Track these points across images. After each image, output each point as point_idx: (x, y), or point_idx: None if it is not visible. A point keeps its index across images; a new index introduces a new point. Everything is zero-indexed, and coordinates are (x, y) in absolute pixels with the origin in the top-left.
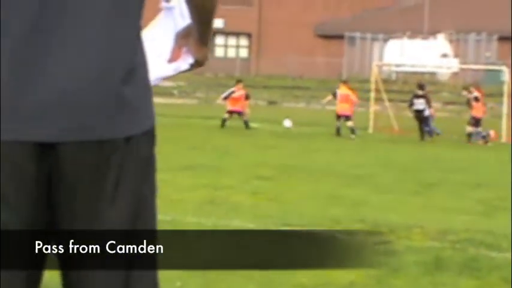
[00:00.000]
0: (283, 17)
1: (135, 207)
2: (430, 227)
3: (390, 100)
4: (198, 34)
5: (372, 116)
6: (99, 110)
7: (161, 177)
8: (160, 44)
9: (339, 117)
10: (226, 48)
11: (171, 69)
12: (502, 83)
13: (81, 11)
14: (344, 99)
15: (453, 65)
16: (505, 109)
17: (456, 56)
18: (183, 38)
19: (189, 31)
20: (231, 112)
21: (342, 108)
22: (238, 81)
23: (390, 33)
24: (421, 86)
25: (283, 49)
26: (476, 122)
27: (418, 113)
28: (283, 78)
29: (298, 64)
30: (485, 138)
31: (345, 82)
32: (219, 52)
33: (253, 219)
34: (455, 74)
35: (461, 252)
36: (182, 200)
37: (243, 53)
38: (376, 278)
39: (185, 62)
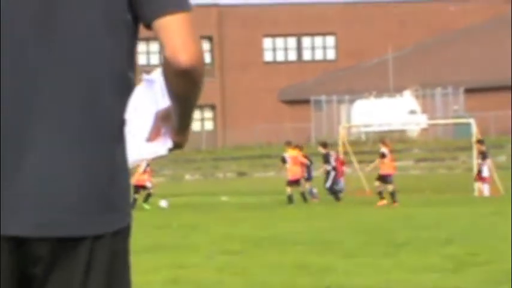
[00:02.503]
0: (246, 85)
1: None
2: (397, 287)
3: (361, 162)
4: (179, 120)
5: (342, 180)
6: (75, 210)
7: None
8: (140, 118)
9: (291, 183)
10: None
11: (148, 152)
12: (471, 136)
13: (58, 115)
14: (294, 162)
15: (421, 121)
16: (475, 162)
17: (424, 111)
18: (163, 120)
19: (169, 114)
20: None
21: (294, 172)
22: None
23: (356, 94)
24: (323, 144)
25: (249, 118)
26: (384, 179)
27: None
28: (251, 148)
29: (265, 132)
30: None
31: (289, 143)
32: None
33: None
34: (425, 130)
35: None
36: (146, 282)
37: (209, 125)
38: None
39: (164, 146)
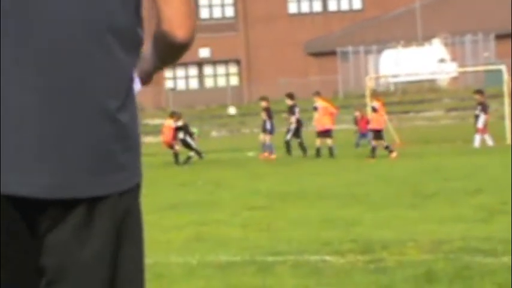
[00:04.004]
0: (270, 38)
1: (111, 263)
2: (424, 239)
3: (390, 113)
4: (155, 68)
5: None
6: (81, 172)
7: (147, 218)
8: None
9: (320, 134)
10: (216, 77)
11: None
12: (503, 83)
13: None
14: (324, 112)
15: (451, 69)
16: (507, 110)
17: (454, 59)
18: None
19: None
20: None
21: (322, 123)
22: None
23: (383, 44)
24: (290, 96)
25: (274, 72)
26: (376, 135)
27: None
28: (278, 102)
29: (292, 85)
30: (389, 148)
31: (318, 93)
32: (208, 82)
33: (241, 251)
34: (455, 79)
35: (454, 261)
36: (168, 240)
37: (234, 80)
38: None
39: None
